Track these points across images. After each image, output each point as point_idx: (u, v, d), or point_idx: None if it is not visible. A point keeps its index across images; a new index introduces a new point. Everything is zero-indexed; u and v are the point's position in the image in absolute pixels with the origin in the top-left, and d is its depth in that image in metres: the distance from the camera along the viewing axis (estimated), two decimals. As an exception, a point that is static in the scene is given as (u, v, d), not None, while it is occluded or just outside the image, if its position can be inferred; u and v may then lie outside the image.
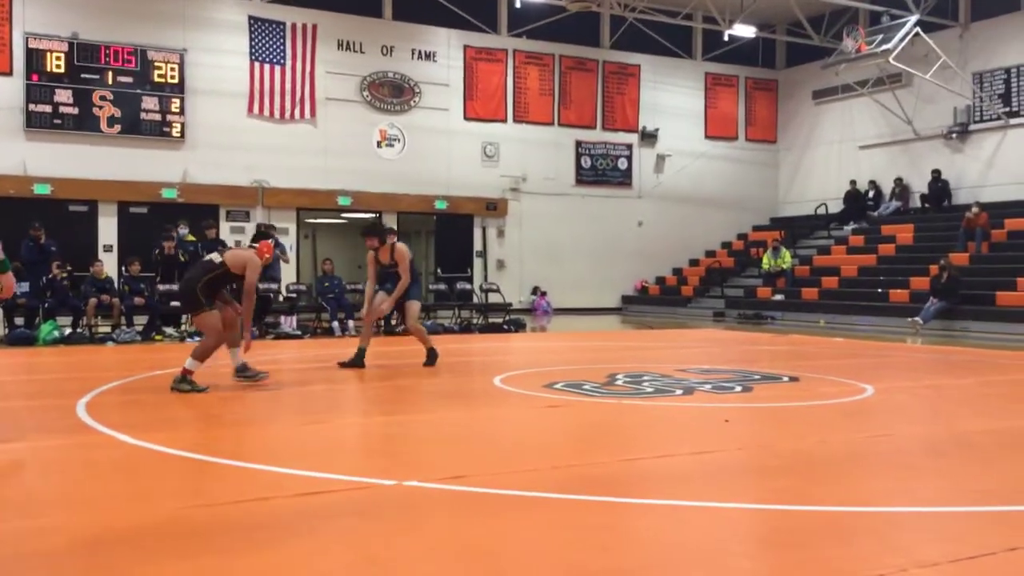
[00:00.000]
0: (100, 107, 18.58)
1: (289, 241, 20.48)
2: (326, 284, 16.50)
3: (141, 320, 14.63)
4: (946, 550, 3.49)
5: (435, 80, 22.10)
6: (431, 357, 10.04)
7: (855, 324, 18.34)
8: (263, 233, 8.60)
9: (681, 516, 4.01)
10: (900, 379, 9.66)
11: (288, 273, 19.32)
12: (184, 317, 15.06)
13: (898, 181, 23.43)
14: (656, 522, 3.96)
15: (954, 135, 22.21)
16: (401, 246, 9.76)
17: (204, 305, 7.80)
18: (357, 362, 9.67)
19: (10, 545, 3.57)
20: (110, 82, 18.67)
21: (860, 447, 5.66)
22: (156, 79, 19.08)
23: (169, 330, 14.74)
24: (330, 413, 7.33)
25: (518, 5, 21.45)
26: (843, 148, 25.12)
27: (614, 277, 24.13)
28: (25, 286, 14.08)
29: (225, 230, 18.90)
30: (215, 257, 8.02)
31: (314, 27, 20.59)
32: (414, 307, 9.98)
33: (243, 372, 8.26)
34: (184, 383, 7.74)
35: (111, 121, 18.67)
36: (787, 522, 3.92)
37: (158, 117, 19.12)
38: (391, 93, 21.60)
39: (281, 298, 16.78)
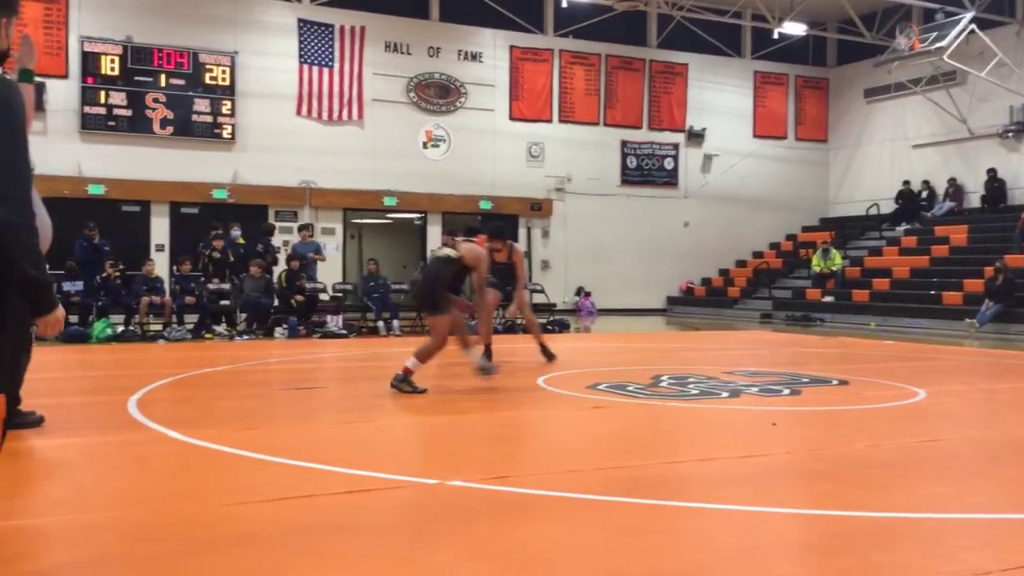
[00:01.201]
0: (153, 109, 18.92)
1: (336, 241, 20.70)
2: (371, 284, 16.62)
3: (191, 319, 14.87)
4: (998, 559, 3.40)
5: (481, 81, 22.15)
6: (546, 353, 10.05)
7: (907, 327, 18.00)
8: (475, 229, 8.59)
9: (726, 520, 3.97)
10: (953, 383, 9.46)
11: (334, 273, 19.51)
12: (239, 317, 15.28)
13: (952, 181, 22.96)
14: (700, 526, 3.92)
15: (1010, 134, 21.69)
16: (517, 247, 9.91)
17: (445, 306, 7.64)
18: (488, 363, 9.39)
19: (62, 539, 3.65)
20: (163, 84, 19.00)
21: (911, 452, 5.54)
22: (207, 81, 19.39)
23: (219, 328, 14.96)
24: (374, 412, 7.36)
25: (564, 5, 21.42)
26: (895, 147, 24.68)
27: (659, 278, 23.97)
28: (79, 284, 14.38)
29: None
30: (450, 252, 7.84)
31: (362, 29, 20.76)
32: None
33: (485, 370, 8.00)
34: (405, 383, 7.64)
35: (164, 123, 19.00)
36: (834, 527, 3.86)
37: (209, 119, 19.41)
38: (437, 94, 21.70)
39: (327, 297, 16.95)
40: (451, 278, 7.77)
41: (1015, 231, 19.43)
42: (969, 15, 20.39)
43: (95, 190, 18.43)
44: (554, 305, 19.22)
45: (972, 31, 20.41)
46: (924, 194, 23.62)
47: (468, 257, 7.83)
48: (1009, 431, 6.39)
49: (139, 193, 18.96)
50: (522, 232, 22.77)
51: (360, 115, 20.82)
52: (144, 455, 5.26)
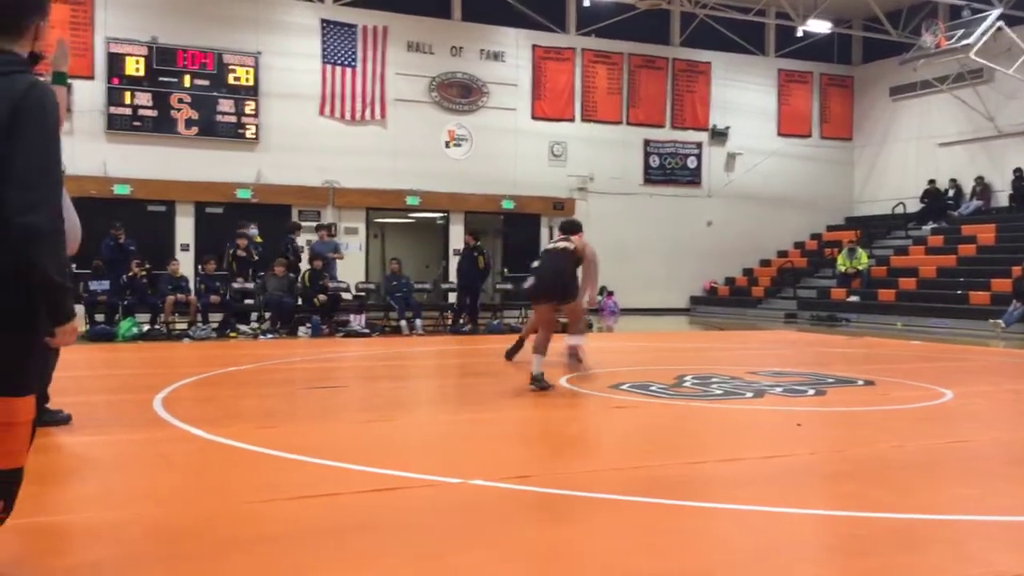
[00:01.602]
0: (178, 110, 19.07)
1: (359, 240, 20.78)
2: (394, 283, 16.67)
3: (216, 318, 14.98)
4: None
5: (503, 80, 22.15)
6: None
7: (933, 327, 17.83)
8: (576, 224, 8.79)
9: (749, 521, 3.95)
10: (980, 383, 9.36)
11: (357, 272, 19.58)
12: (258, 315, 15.40)
13: (979, 180, 22.70)
14: (721, 526, 3.91)
15: (1038, 132, 21.43)
16: (588, 242, 9.94)
17: (575, 292, 7.94)
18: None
19: (89, 536, 3.69)
20: (187, 85, 19.14)
21: (937, 453, 5.50)
22: (231, 82, 19.51)
23: (243, 327, 15.06)
24: (396, 410, 7.40)
25: (587, 4, 21.38)
26: (921, 146, 24.44)
27: (682, 277, 23.86)
28: (105, 284, 14.52)
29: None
30: (567, 244, 8.09)
31: (385, 29, 20.82)
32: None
33: (538, 382, 7.87)
34: (540, 382, 7.78)
35: (188, 123, 19.15)
36: (858, 529, 3.83)
37: (233, 119, 19.54)
38: (459, 93, 21.73)
39: (350, 296, 17.01)
40: (575, 268, 8.03)
41: (1044, 230, 19.21)
42: (996, 12, 20.16)
43: (121, 190, 18.59)
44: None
45: (999, 28, 20.17)
46: (951, 193, 23.37)
47: (581, 250, 8.11)
48: (1037, 432, 6.32)
49: (164, 193, 19.11)
50: (544, 232, 22.74)
51: (383, 115, 20.88)
52: (169, 453, 5.31)
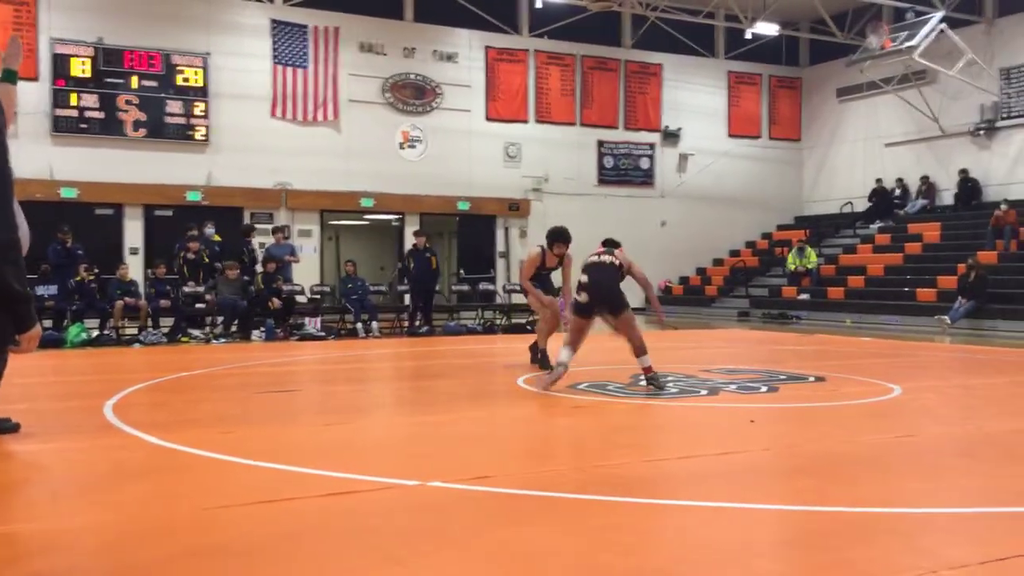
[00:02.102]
0: (125, 111, 18.75)
1: (313, 243, 20.61)
2: (349, 286, 16.57)
3: (167, 322, 14.76)
4: (975, 552, 3.44)
5: (457, 81, 22.12)
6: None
7: (882, 323, 18.18)
8: (616, 242, 8.93)
9: (706, 517, 3.99)
10: (928, 379, 9.56)
11: (312, 275, 19.42)
12: (212, 319, 15.21)
13: (924, 179, 23.20)
14: (681, 523, 3.94)
15: (981, 132, 21.95)
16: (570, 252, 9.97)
17: (626, 303, 8.17)
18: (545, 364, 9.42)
19: (38, 546, 3.61)
20: (135, 86, 18.82)
21: (887, 448, 5.60)
22: (180, 83, 19.23)
23: (195, 332, 14.85)
24: (353, 414, 7.35)
25: (539, 5, 21.42)
26: (868, 146, 24.90)
27: (637, 277, 23.99)
28: (53, 289, 14.24)
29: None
30: (614, 260, 8.35)
31: (336, 29, 20.68)
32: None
33: (560, 367, 8.12)
34: (655, 379, 7.96)
35: (136, 125, 18.83)
36: (813, 523, 3.89)
37: (182, 120, 19.26)
38: (413, 95, 21.65)
39: (305, 299, 16.88)
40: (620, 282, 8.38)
41: (987, 228, 19.67)
42: (939, 14, 20.61)
43: (67, 193, 18.23)
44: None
45: (942, 30, 20.62)
46: (897, 192, 23.85)
47: (631, 265, 8.54)
48: (984, 426, 6.47)
49: (112, 196, 18.77)
50: (500, 233, 22.77)
51: (335, 116, 20.73)
52: (121, 460, 5.22)
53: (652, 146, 24.56)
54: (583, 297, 8.21)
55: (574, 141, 23.55)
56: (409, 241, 19.39)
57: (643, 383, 8.08)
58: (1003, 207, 19.40)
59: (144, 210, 19.17)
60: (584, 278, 8.24)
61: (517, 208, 22.77)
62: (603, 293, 8.16)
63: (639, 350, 8.03)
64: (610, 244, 8.81)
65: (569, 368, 8.11)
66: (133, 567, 3.29)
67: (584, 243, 24.29)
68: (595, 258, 8.42)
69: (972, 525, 3.88)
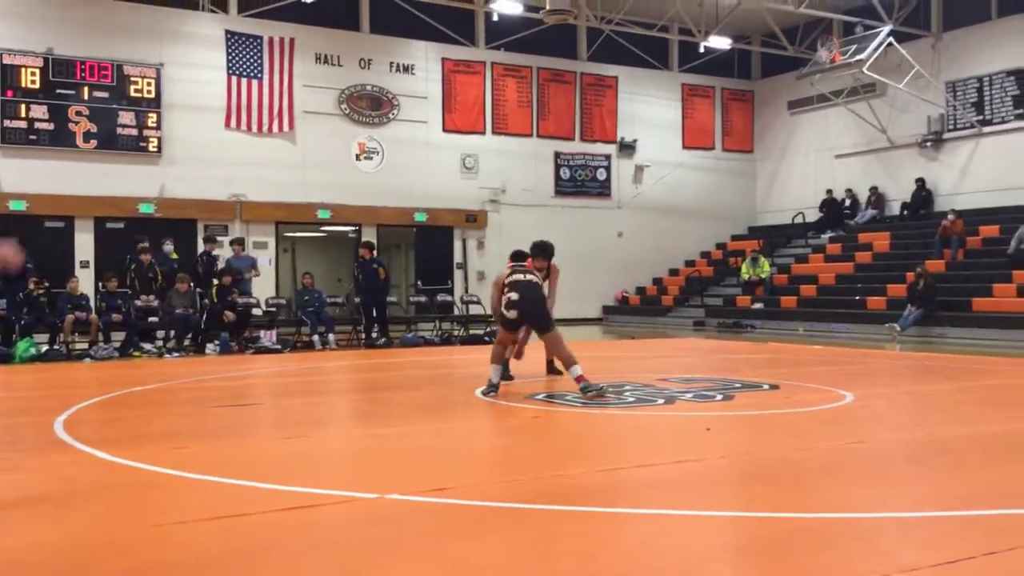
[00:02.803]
0: (76, 122, 18.45)
1: (268, 255, 20.42)
2: (306, 298, 16.45)
3: (119, 336, 14.51)
4: (926, 555, 3.51)
5: (413, 93, 22.11)
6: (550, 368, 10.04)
7: (833, 331, 18.46)
8: (524, 254, 9.23)
9: (664, 525, 4.02)
10: (879, 386, 9.73)
11: (267, 287, 19.23)
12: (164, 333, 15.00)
13: (873, 189, 23.64)
14: (639, 531, 3.97)
15: (928, 144, 22.44)
16: (555, 263, 10.11)
17: (552, 322, 8.42)
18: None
19: (-13, 565, 3.53)
20: (86, 97, 18.54)
21: (840, 454, 5.69)
22: (132, 94, 18.97)
23: (147, 346, 14.63)
24: (310, 427, 7.29)
25: (495, 18, 21.55)
26: (819, 157, 25.32)
27: (595, 288, 24.14)
28: (2, 302, 13.94)
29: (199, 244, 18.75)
30: (533, 277, 8.58)
31: (291, 41, 20.56)
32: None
33: (493, 390, 8.40)
34: (589, 388, 7.97)
35: (87, 136, 18.54)
36: (768, 530, 3.94)
37: (135, 132, 19.00)
38: (369, 106, 21.59)
39: (260, 312, 16.72)
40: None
41: (935, 237, 20.09)
42: (887, 28, 21.05)
43: (16, 206, 17.88)
44: (490, 316, 19.21)
45: (890, 44, 21.07)
46: (847, 202, 24.27)
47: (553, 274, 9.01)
48: (933, 432, 6.60)
49: (62, 208, 18.44)
50: (457, 244, 22.76)
51: (291, 127, 20.59)
52: (72, 476, 5.12)
53: (608, 157, 24.74)
54: (512, 314, 8.44)
55: (531, 153, 23.65)
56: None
57: (570, 398, 8.14)
58: (950, 217, 19.83)
59: (95, 223, 18.86)
60: (514, 295, 8.44)
61: (474, 219, 22.79)
62: (531, 312, 8.39)
63: (567, 362, 8.18)
64: (518, 258, 9.04)
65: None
66: (85, 586, 3.23)
67: (541, 254, 24.10)
68: (520, 276, 8.61)
69: (923, 529, 3.96)
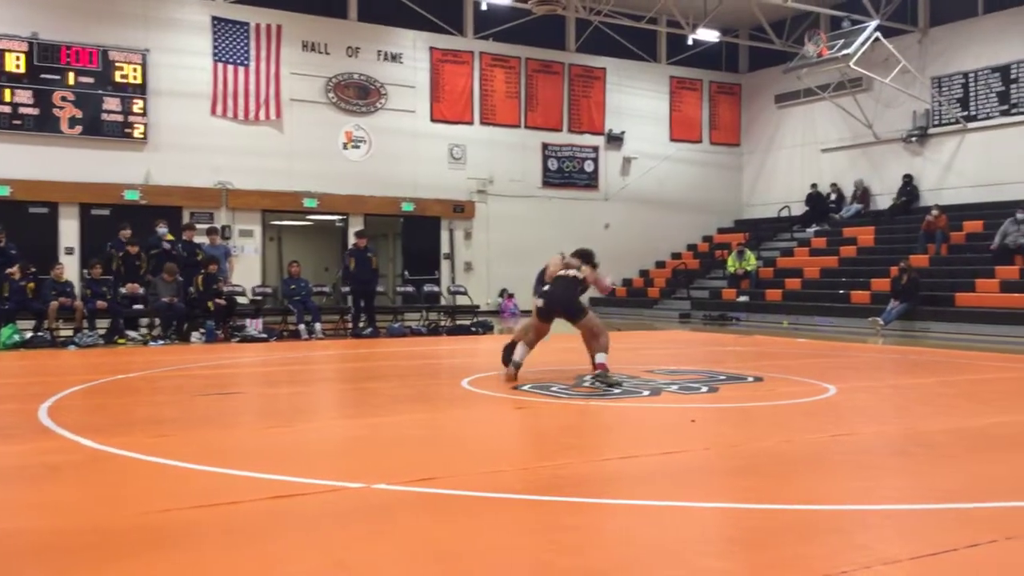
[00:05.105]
0: (61, 108, 18.32)
1: (254, 243, 20.35)
2: (292, 287, 16.40)
3: (103, 323, 14.44)
4: (909, 548, 3.55)
5: (401, 82, 22.04)
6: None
7: (817, 325, 18.57)
8: (589, 255, 9.49)
9: (649, 516, 4.04)
10: (862, 379, 9.79)
11: (253, 275, 19.19)
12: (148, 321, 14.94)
13: (859, 184, 23.75)
14: (625, 522, 3.99)
15: (913, 139, 22.55)
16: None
17: (585, 310, 8.71)
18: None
19: (-28, 552, 3.51)
20: (71, 83, 18.40)
21: (823, 447, 5.73)
22: (118, 80, 18.85)
23: (132, 333, 14.56)
24: (297, 416, 7.28)
25: (484, 7, 21.50)
26: (805, 151, 25.42)
27: (580, 279, 24.13)
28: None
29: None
30: (577, 274, 8.89)
31: (278, 28, 20.45)
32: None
33: (515, 367, 8.81)
34: (606, 378, 8.21)
35: (72, 122, 18.41)
36: (753, 521, 3.97)
37: (120, 118, 18.88)
38: (357, 95, 21.52)
39: (246, 300, 16.66)
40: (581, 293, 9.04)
41: (919, 232, 20.21)
42: (874, 23, 21.13)
43: (0, 191, 17.75)
44: (477, 307, 19.25)
45: (877, 39, 21.16)
46: (832, 197, 24.38)
47: (589, 278, 9.11)
48: (915, 425, 6.66)
49: (47, 194, 18.33)
50: (444, 234, 22.74)
51: (278, 115, 20.51)
52: (57, 464, 5.10)
53: (596, 149, 24.75)
54: (539, 303, 8.75)
55: (519, 143, 23.63)
56: (352, 242, 19.24)
57: (588, 382, 8.34)
58: (934, 212, 19.95)
59: (80, 209, 18.75)
60: (547, 287, 8.84)
61: (462, 210, 22.77)
62: (562, 304, 8.71)
63: (600, 348, 8.47)
64: (584, 258, 9.36)
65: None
66: (68, 571, 3.23)
67: (529, 245, 24.56)
68: (563, 272, 8.96)
69: (904, 521, 3.99)
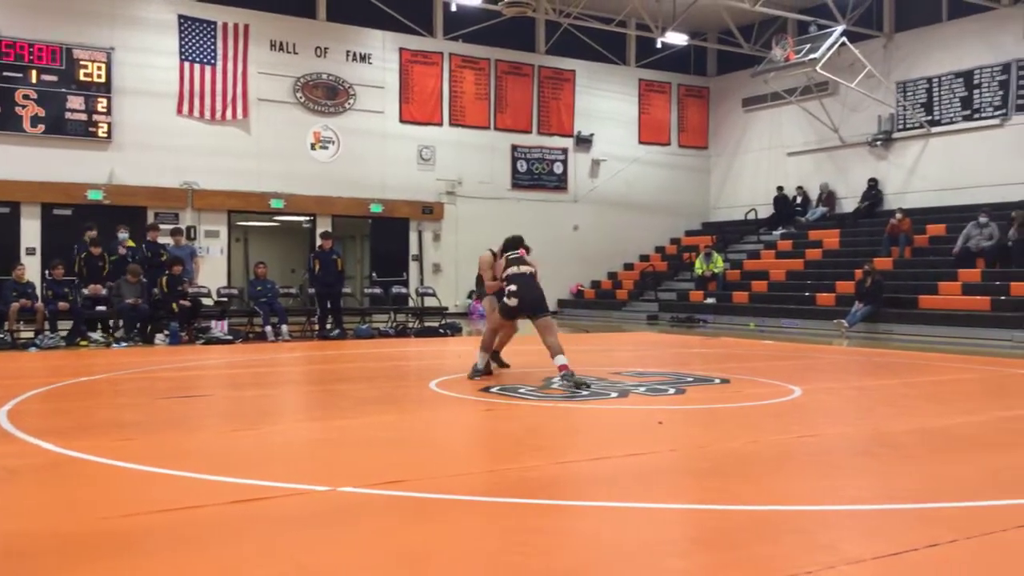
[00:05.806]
0: (23, 106, 18.03)
1: (220, 244, 20.16)
2: (259, 288, 16.25)
3: (65, 325, 14.23)
4: (871, 547, 3.58)
5: (370, 82, 21.95)
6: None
7: (784, 327, 18.73)
8: (519, 241, 9.39)
9: (616, 517, 4.05)
10: (827, 380, 9.89)
11: (219, 277, 19.00)
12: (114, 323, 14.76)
13: (824, 187, 24.00)
14: (592, 524, 3.99)
15: (878, 143, 22.83)
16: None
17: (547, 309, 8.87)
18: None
19: (-74, 559, 3.44)
20: (34, 81, 18.12)
21: (788, 447, 5.78)
22: (82, 78, 18.59)
23: (95, 335, 14.36)
24: (261, 419, 7.22)
25: (454, 8, 21.46)
26: (772, 155, 25.65)
27: (550, 281, 23.93)
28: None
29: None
30: (529, 269, 8.91)
31: (246, 27, 20.28)
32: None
33: (477, 374, 9.02)
34: (571, 378, 8.26)
35: (34, 121, 18.12)
36: (719, 522, 3.99)
37: (84, 117, 18.62)
38: (325, 95, 21.39)
39: (211, 302, 16.50)
40: None
41: (883, 235, 20.45)
42: (840, 28, 21.36)
43: (-41, 190, 17.45)
44: (446, 308, 19.20)
45: (843, 44, 21.38)
46: (798, 200, 24.61)
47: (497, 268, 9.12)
48: (879, 426, 6.73)
49: (8, 194, 18.02)
50: (413, 236, 22.67)
51: (245, 115, 20.33)
52: (17, 468, 5.01)
53: (565, 151, 24.80)
54: (513, 302, 8.73)
55: (488, 145, 23.62)
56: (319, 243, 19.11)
57: (556, 384, 8.36)
58: (898, 215, 20.20)
59: (42, 209, 18.46)
60: (513, 287, 8.73)
61: (431, 211, 22.72)
62: (530, 301, 8.72)
63: (554, 350, 8.50)
64: (513, 245, 9.24)
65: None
66: (29, 579, 3.17)
67: (497, 246, 24.21)
68: (516, 268, 8.89)
69: (868, 521, 4.03)
